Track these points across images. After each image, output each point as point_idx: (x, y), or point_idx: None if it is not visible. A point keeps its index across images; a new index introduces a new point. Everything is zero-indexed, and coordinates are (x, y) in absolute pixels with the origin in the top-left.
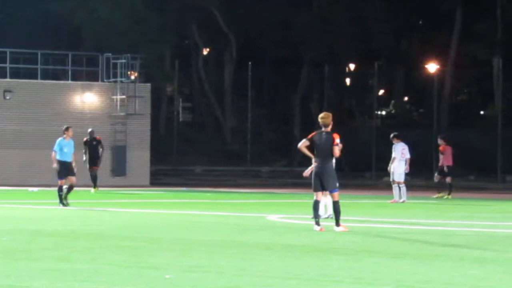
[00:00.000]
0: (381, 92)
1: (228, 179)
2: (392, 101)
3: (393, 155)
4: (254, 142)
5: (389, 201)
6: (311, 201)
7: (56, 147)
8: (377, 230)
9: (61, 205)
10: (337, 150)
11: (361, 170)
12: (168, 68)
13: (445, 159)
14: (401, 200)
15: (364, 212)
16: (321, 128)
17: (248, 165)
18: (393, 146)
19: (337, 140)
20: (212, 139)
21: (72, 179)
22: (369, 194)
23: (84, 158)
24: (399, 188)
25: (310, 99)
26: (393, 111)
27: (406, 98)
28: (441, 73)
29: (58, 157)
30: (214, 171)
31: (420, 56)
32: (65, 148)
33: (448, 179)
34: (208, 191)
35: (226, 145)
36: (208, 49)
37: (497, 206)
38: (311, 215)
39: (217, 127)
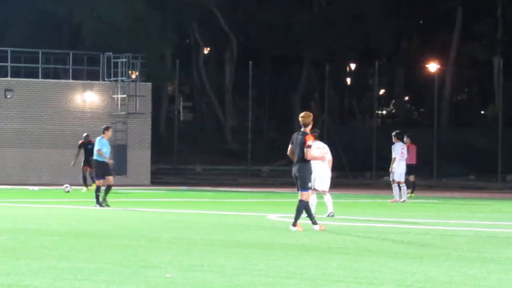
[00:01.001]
0: (382, 91)
1: (228, 178)
2: (393, 101)
3: (393, 155)
4: (254, 142)
5: (389, 201)
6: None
7: (98, 146)
8: (377, 230)
9: (97, 205)
10: (307, 153)
11: (362, 170)
12: (169, 67)
13: (409, 158)
14: (401, 200)
15: (364, 212)
16: (300, 128)
17: (248, 164)
18: (392, 146)
19: (309, 142)
20: (212, 138)
21: (110, 178)
22: (369, 193)
23: (73, 163)
24: (399, 187)
25: (311, 99)
26: (393, 111)
27: (406, 98)
28: (441, 72)
29: (95, 157)
30: (215, 170)
31: (420, 56)
32: (104, 148)
33: (411, 178)
34: (208, 190)
35: (227, 144)
36: (208, 49)
37: (497, 205)
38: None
39: (218, 127)
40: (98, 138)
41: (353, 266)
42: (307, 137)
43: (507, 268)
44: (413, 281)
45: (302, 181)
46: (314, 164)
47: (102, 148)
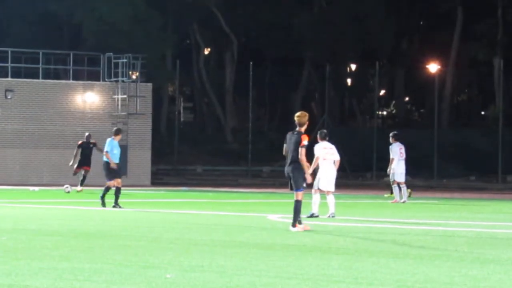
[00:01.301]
0: (382, 92)
1: (229, 179)
2: (393, 101)
3: (391, 155)
4: (254, 142)
5: (389, 201)
6: (310, 201)
7: (107, 148)
8: (377, 230)
9: (102, 205)
10: (302, 153)
11: (362, 170)
12: (169, 67)
13: None
14: (402, 201)
15: (364, 212)
16: (296, 127)
17: (249, 165)
18: (390, 146)
19: (304, 142)
20: (213, 139)
21: (118, 180)
22: (370, 194)
23: (71, 163)
24: (400, 188)
25: (311, 99)
26: (393, 111)
27: (406, 98)
28: (441, 73)
29: (105, 159)
30: (215, 170)
31: (420, 56)
32: (115, 150)
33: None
34: (208, 191)
35: (227, 144)
36: (209, 49)
37: (498, 206)
38: (309, 214)
39: (218, 127)
40: (108, 140)
41: (354, 266)
42: (302, 136)
43: (507, 269)
44: (414, 282)
45: (297, 181)
46: (320, 165)
47: (112, 149)
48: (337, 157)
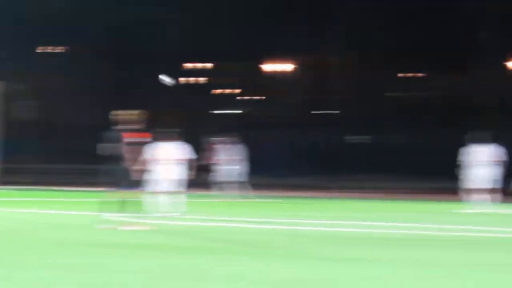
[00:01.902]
0: None
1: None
2: None
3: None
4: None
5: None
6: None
7: None
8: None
9: None
10: (125, 151)
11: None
12: None
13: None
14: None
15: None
16: (115, 125)
17: None
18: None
19: (126, 139)
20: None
21: None
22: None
23: None
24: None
25: None
26: None
27: None
28: None
29: None
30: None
31: None
32: None
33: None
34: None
35: None
36: None
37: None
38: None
39: None
40: None
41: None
42: (123, 134)
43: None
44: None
45: (122, 180)
46: (163, 166)
47: None
48: (189, 156)
